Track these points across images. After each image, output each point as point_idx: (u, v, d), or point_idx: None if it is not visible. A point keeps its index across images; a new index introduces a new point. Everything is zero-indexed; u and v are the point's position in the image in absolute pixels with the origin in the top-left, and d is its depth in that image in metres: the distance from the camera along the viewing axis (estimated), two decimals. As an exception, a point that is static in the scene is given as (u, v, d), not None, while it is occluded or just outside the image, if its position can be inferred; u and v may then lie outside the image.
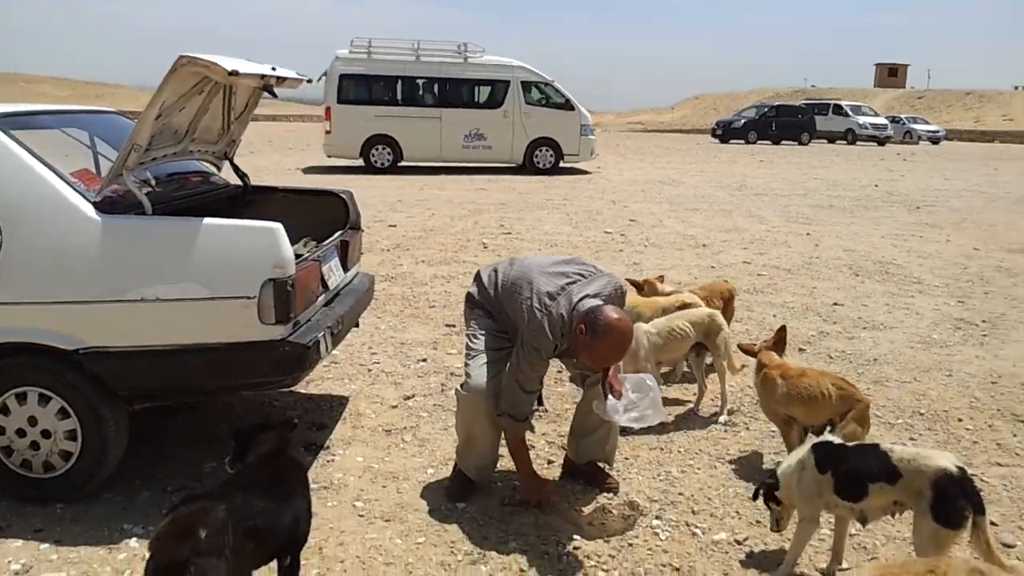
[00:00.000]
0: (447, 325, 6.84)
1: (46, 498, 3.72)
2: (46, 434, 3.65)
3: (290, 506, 2.79)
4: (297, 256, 4.19)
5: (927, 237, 11.96)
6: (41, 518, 3.63)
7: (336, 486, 4.07)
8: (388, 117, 20.70)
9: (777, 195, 17.08)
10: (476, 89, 21.57)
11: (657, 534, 3.71)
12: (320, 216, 5.10)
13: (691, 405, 5.21)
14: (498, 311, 3.91)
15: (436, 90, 21.23)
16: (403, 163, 21.17)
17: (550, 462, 4.39)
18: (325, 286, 4.33)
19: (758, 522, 3.82)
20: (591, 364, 3.80)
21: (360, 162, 21.01)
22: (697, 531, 3.75)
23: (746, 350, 4.64)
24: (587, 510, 3.92)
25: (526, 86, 21.27)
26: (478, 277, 4.06)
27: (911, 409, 5.22)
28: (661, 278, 6.12)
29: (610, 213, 13.74)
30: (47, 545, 3.44)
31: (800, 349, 6.39)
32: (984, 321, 7.30)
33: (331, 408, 5.05)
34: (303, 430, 4.68)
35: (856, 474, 3.24)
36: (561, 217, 13.15)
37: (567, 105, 21.58)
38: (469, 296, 4.07)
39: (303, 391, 5.31)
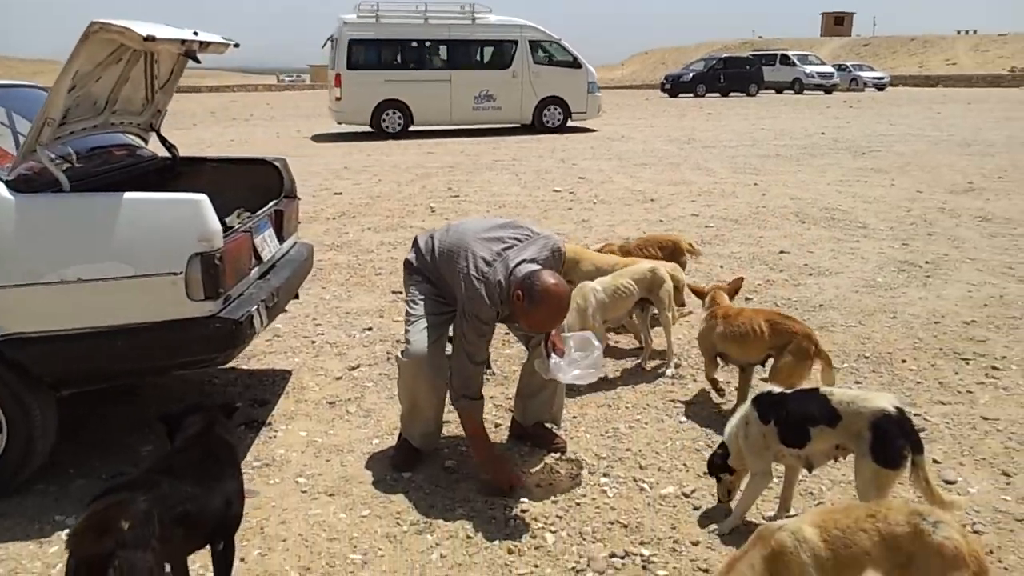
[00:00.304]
0: (393, 292, 6.74)
1: (-27, 492, 3.58)
2: (-31, 426, 3.51)
3: (220, 488, 2.70)
4: (228, 228, 4.07)
5: (872, 182, 12.07)
6: (-33, 513, 3.50)
7: (278, 463, 3.98)
8: (398, 81, 20.40)
9: (725, 147, 17.12)
10: (484, 50, 21.39)
11: (605, 491, 3.69)
12: (254, 186, 4.96)
13: (638, 360, 5.19)
14: (436, 277, 3.83)
15: (445, 52, 21.01)
16: (413, 127, 20.94)
17: (497, 425, 4.35)
18: (258, 258, 4.20)
19: (706, 474, 3.81)
20: (531, 329, 3.75)
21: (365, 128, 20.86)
22: (645, 486, 3.73)
23: (697, 292, 4.72)
24: (535, 471, 3.88)
25: (534, 45, 21.15)
26: (415, 243, 3.97)
27: (856, 352, 5.25)
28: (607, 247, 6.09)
29: (559, 172, 13.66)
30: (-27, 542, 3.32)
31: (747, 298, 6.39)
32: (927, 262, 7.38)
33: (273, 383, 4.94)
34: (244, 408, 4.58)
35: (798, 419, 3.23)
36: (510, 178, 13.03)
37: (574, 63, 21.50)
38: (407, 263, 3.98)
39: (245, 367, 5.20)
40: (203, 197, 3.54)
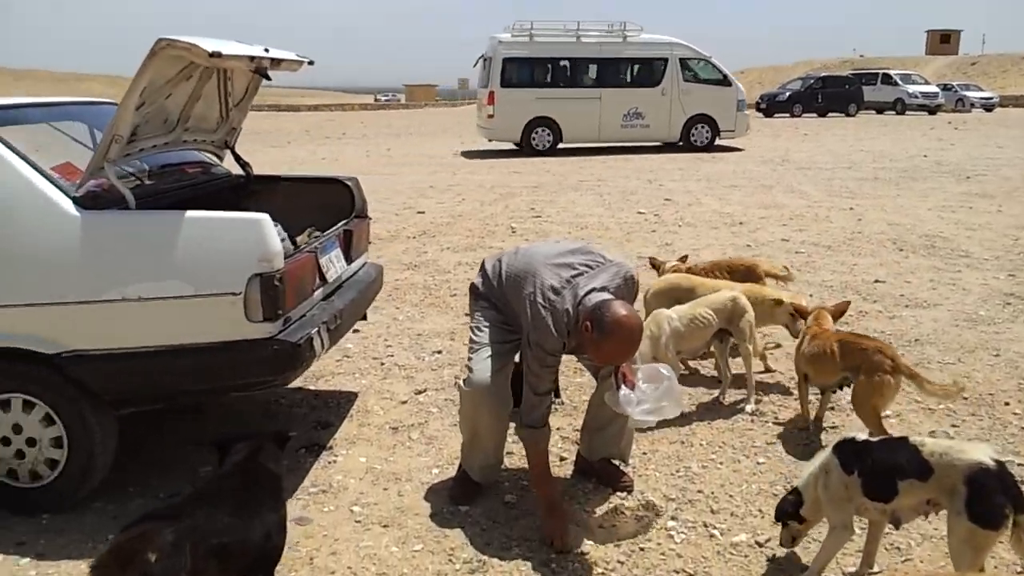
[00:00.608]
0: (466, 314, 6.58)
1: (33, 509, 3.58)
2: (31, 442, 3.52)
3: (259, 519, 2.60)
4: (297, 247, 4.02)
5: (977, 208, 11.43)
6: (25, 530, 3.49)
7: (335, 489, 3.89)
8: (549, 99, 20.52)
9: (820, 168, 16.56)
10: (634, 67, 21.32)
11: (672, 536, 3.47)
12: (325, 205, 4.92)
13: (716, 394, 4.94)
14: (503, 303, 3.69)
15: (595, 70, 21.10)
16: (562, 145, 21.05)
17: (562, 459, 4.17)
18: (323, 279, 4.14)
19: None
20: (600, 362, 3.58)
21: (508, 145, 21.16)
22: (715, 532, 3.49)
23: (801, 311, 4.73)
24: (599, 511, 3.68)
25: (684, 63, 21.03)
26: (483, 267, 3.85)
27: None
28: (684, 258, 5.85)
29: (645, 193, 13.40)
30: (27, 560, 3.30)
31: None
32: (1038, 296, 6.88)
33: (338, 405, 4.87)
34: (307, 431, 4.52)
35: (884, 472, 2.96)
36: (594, 199, 12.85)
37: (724, 81, 21.31)
38: (473, 287, 3.85)
39: (312, 387, 5.15)
40: (264, 217, 3.49)
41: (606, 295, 3.36)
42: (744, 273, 5.75)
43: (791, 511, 3.20)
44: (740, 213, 11.20)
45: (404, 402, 4.90)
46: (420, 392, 5.05)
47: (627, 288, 3.56)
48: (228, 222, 3.51)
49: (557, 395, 4.82)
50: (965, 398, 4.79)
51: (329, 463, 4.16)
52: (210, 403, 4.77)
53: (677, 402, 3.49)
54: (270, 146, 23.60)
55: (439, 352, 5.75)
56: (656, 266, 5.99)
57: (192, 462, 4.12)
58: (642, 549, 3.38)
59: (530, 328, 3.41)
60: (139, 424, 4.01)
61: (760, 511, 3.66)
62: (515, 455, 4.17)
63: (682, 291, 5.11)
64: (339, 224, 4.57)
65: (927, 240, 9.24)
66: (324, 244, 4.22)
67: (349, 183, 4.89)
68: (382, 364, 5.55)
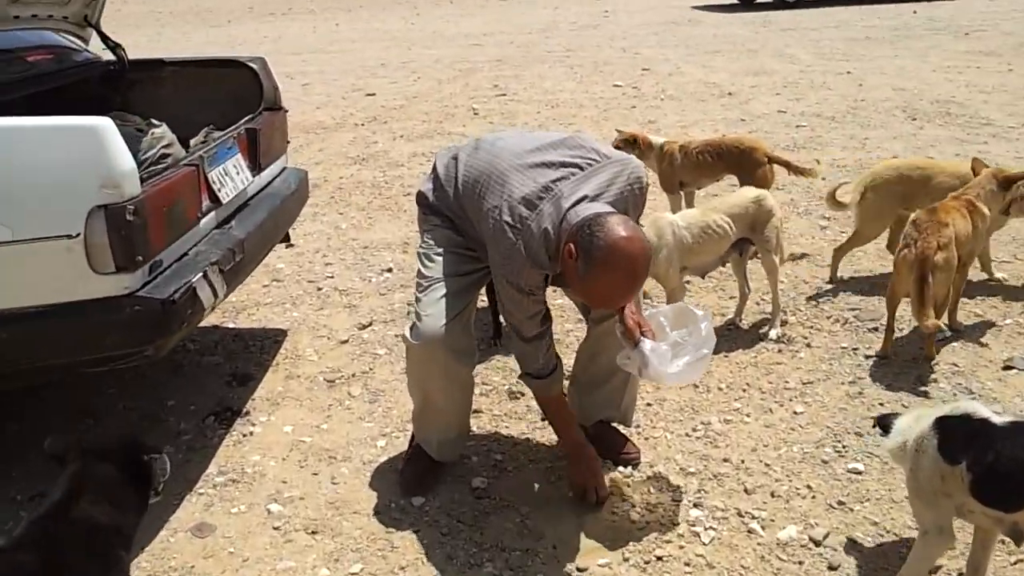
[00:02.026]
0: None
1: None
2: None
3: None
4: (164, 158, 2.96)
5: (985, 67, 10.33)
6: None
7: (249, 477, 2.95)
8: None
9: (806, 29, 15.23)
10: None
11: (697, 534, 2.58)
12: (229, 97, 3.81)
13: (730, 316, 4.00)
14: (461, 218, 2.68)
15: None
16: None
17: (544, 419, 3.23)
18: (214, 199, 3.07)
19: (840, 503, 2.68)
20: (590, 303, 2.61)
21: None
22: (754, 525, 2.60)
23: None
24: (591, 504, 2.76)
25: None
26: (434, 169, 2.81)
27: None
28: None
29: (620, 63, 12.13)
30: None
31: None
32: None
33: (261, 349, 3.89)
34: (219, 386, 3.55)
35: (1012, 471, 2.04)
36: (564, 71, 11.58)
37: None
38: (421, 197, 2.83)
39: (230, 324, 4.15)
40: (104, 122, 2.40)
41: (600, 207, 2.37)
42: (738, 158, 4.69)
43: (877, 424, 2.41)
44: (727, 82, 10.04)
45: (344, 341, 3.92)
46: (364, 327, 4.06)
47: (633, 197, 2.55)
48: (51, 133, 2.42)
49: (498, 335, 3.86)
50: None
51: (244, 436, 3.21)
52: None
53: (710, 353, 2.52)
54: (209, 26, 21.70)
55: (389, 271, 4.73)
56: (632, 141, 4.81)
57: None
58: (659, 559, 2.49)
59: (498, 258, 2.43)
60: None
61: (809, 487, 2.77)
62: (484, 418, 3.24)
63: (914, 183, 4.07)
64: (240, 123, 3.47)
65: (940, 107, 8.19)
66: (214, 152, 3.13)
67: (253, 65, 3.76)
68: (319, 289, 4.53)
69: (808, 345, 3.71)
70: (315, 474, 2.95)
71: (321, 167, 6.88)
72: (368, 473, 2.95)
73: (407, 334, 2.71)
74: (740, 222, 3.60)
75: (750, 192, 3.73)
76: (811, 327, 3.87)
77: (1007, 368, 3.43)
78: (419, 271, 2.74)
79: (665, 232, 3.49)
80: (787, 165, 4.69)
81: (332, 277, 4.68)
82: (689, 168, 4.77)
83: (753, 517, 2.64)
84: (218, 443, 3.16)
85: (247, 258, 3.10)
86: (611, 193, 2.47)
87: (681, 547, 2.53)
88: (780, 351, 3.68)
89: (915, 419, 2.27)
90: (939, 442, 2.14)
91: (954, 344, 3.59)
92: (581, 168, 2.49)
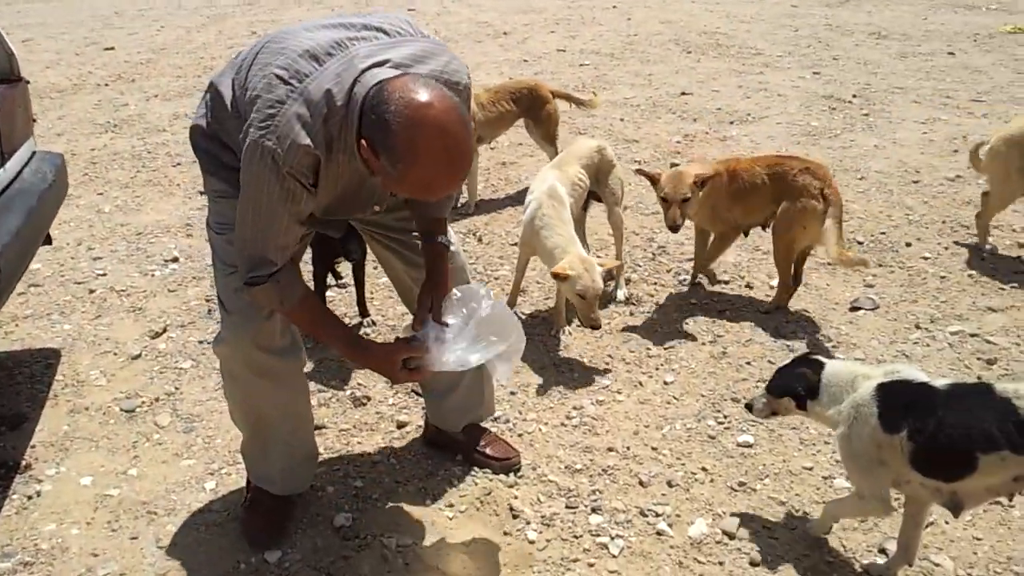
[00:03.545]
0: (202, 192, 4.87)
1: None
2: None
3: None
4: None
5: (737, -4, 10.73)
6: None
7: (46, 556, 2.31)
8: None
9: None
10: None
11: (605, 546, 2.30)
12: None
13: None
14: None
15: None
16: None
17: (400, 425, 2.82)
18: (-51, 208, 2.35)
19: (741, 484, 2.50)
20: (408, 195, 1.96)
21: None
22: (662, 524, 2.36)
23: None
24: (480, 526, 2.41)
25: None
26: (211, 88, 2.07)
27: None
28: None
29: (382, 2, 11.52)
30: None
31: (672, 164, 4.99)
32: (855, 96, 6.21)
33: (31, 378, 3.14)
34: (-18, 437, 2.83)
35: (955, 439, 1.90)
36: (323, 12, 10.81)
37: None
38: (196, 133, 2.11)
39: (-16, 351, 3.36)
40: None
41: (398, 73, 1.78)
42: (529, 99, 4.48)
43: (797, 389, 2.17)
44: (499, 21, 9.76)
45: (136, 356, 3.26)
46: (158, 335, 3.41)
47: (453, 89, 1.85)
48: None
49: (366, 312, 3.44)
50: (860, 243, 3.95)
51: (29, 500, 2.54)
52: None
53: (513, 332, 2.09)
54: None
55: (174, 260, 4.05)
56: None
57: None
58: (570, 581, 2.19)
59: (255, 126, 1.75)
60: None
61: (704, 470, 2.57)
62: (328, 434, 2.78)
63: None
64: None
65: (709, 38, 8.38)
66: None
67: (-23, 26, 2.96)
68: (91, 291, 3.78)
69: (658, 304, 3.53)
70: (133, 538, 2.37)
71: (65, 139, 5.89)
72: (202, 527, 2.41)
73: (214, 341, 2.20)
74: (588, 174, 3.32)
75: (590, 142, 3.45)
76: (655, 283, 3.69)
77: (854, 309, 3.41)
78: (213, 253, 2.17)
79: (563, 198, 3.12)
80: (568, 98, 4.76)
81: (105, 275, 3.93)
82: (490, 122, 4.45)
83: (657, 515, 2.40)
84: (-7, 515, 2.49)
85: (4, 279, 2.42)
86: (421, 72, 1.83)
87: (591, 564, 2.24)
88: (632, 314, 3.47)
89: (847, 381, 2.09)
90: (879, 411, 1.98)
91: (799, 291, 3.52)
92: (388, 34, 1.89)
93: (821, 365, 2.18)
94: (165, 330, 3.44)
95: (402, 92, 1.66)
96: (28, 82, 3.16)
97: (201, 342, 3.34)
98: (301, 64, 1.76)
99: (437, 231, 2.17)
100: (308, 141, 1.73)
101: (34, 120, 3.24)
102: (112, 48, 8.98)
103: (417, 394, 2.92)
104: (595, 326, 2.92)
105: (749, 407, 2.31)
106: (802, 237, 3.28)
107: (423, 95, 1.65)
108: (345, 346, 2.10)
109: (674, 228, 3.16)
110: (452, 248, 2.25)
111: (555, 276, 2.91)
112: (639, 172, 3.30)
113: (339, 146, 1.79)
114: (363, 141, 1.71)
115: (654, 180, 3.19)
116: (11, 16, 10.96)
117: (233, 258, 2.01)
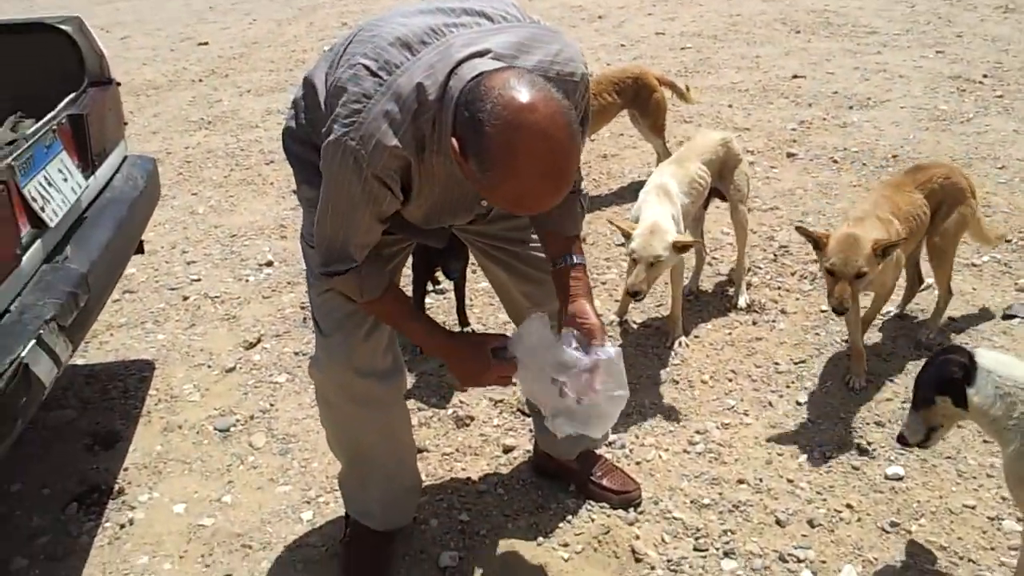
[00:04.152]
0: (295, 191, 4.74)
1: None
2: None
3: None
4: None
5: (845, -29, 10.14)
6: None
7: (138, 596, 2.20)
8: None
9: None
10: None
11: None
12: (35, 71, 2.90)
13: (685, 283, 3.45)
14: None
15: None
16: None
17: (508, 450, 2.61)
18: (37, 223, 2.23)
19: (894, 525, 2.20)
20: (503, 207, 1.68)
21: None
22: (805, 573, 2.09)
23: None
24: (599, 570, 2.17)
25: None
26: (306, 83, 1.83)
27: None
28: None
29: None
30: None
31: (789, 154, 4.65)
32: (986, 76, 5.69)
33: (125, 392, 3.05)
34: (76, 453, 2.73)
35: None
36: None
37: None
38: (288, 136, 1.93)
39: (80, 361, 3.28)
40: None
41: (499, 65, 1.54)
42: (633, 88, 4.19)
43: (953, 374, 1.84)
44: (593, 4, 9.41)
45: (230, 369, 3.14)
46: (252, 345, 3.29)
47: (563, 86, 1.59)
48: None
49: (464, 322, 3.25)
50: (1008, 240, 3.55)
51: (122, 528, 2.42)
52: None
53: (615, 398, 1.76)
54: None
55: (268, 264, 3.93)
56: None
57: None
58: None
59: (339, 120, 1.55)
60: None
61: (849, 507, 2.28)
62: (430, 459, 2.59)
63: None
64: (59, 108, 2.59)
65: (818, 16, 7.87)
66: (29, 155, 2.27)
67: (67, 28, 2.86)
68: (185, 299, 3.69)
69: (783, 312, 3.22)
70: (228, 575, 2.23)
71: (160, 137, 5.87)
72: (299, 564, 2.25)
73: (311, 364, 2.02)
74: (711, 170, 3.03)
75: (715, 134, 3.15)
76: (779, 288, 3.38)
77: (1007, 318, 3.05)
78: (308, 270, 2.01)
79: (674, 196, 2.86)
80: (673, 87, 4.43)
81: (199, 280, 3.84)
82: (592, 116, 4.17)
83: (799, 560, 2.13)
84: (88, 543, 2.37)
85: (94, 298, 2.29)
86: (528, 63, 1.60)
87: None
88: (755, 323, 3.17)
89: (1019, 380, 1.78)
90: None
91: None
92: (490, 19, 1.65)
93: (969, 353, 1.86)
94: (260, 340, 3.31)
95: (502, 90, 1.42)
96: (119, 84, 3.05)
97: (297, 353, 3.19)
98: (392, 53, 1.56)
99: (567, 251, 1.92)
100: (396, 142, 1.52)
101: (126, 123, 3.13)
102: (206, 43, 9.01)
103: (524, 414, 2.70)
104: (629, 291, 2.63)
105: (903, 440, 2.01)
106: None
107: (525, 95, 1.41)
108: (429, 338, 1.89)
109: (840, 311, 2.50)
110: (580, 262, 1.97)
111: (623, 235, 2.68)
112: (800, 231, 2.62)
113: (432, 147, 1.58)
114: (454, 140, 1.49)
115: (818, 244, 2.55)
116: (108, 15, 11.14)
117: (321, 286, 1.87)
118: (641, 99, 4.21)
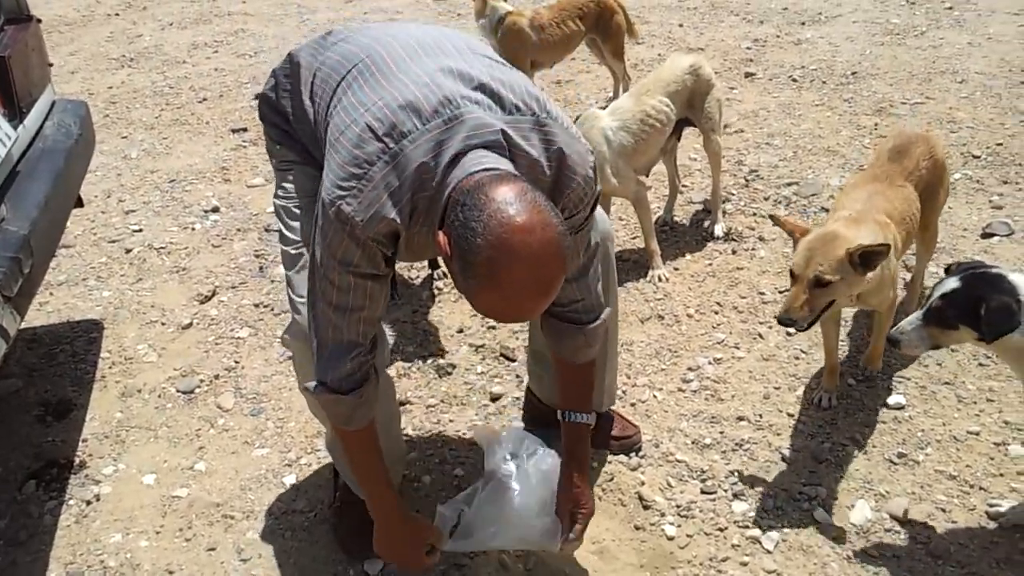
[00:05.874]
0: (234, 131, 4.47)
1: None
2: None
3: None
4: None
5: None
6: None
7: (113, 574, 2.04)
8: None
9: None
10: None
11: (757, 540, 1.98)
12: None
13: (659, 214, 3.34)
14: (322, 140, 1.68)
15: None
16: None
17: (495, 398, 2.49)
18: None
19: (901, 456, 2.16)
20: (477, 311, 1.57)
21: None
22: (819, 511, 2.03)
23: None
24: (607, 519, 2.08)
25: None
26: (290, 59, 1.82)
27: (959, 150, 3.58)
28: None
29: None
30: None
31: (747, 74, 4.53)
32: (935, -13, 5.63)
33: (74, 356, 2.83)
34: (27, 425, 2.52)
35: None
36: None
37: None
38: (264, 103, 1.88)
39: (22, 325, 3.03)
40: None
41: (501, 164, 1.44)
42: (596, 14, 4.02)
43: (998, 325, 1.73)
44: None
45: (187, 326, 2.93)
46: (208, 298, 3.08)
47: (573, 182, 1.58)
48: None
49: (394, 289, 3.05)
50: (977, 157, 3.51)
51: (88, 505, 2.24)
52: None
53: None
54: None
55: (215, 211, 3.69)
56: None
57: None
58: (725, 590, 1.88)
59: (333, 179, 1.48)
60: None
61: (854, 439, 2.23)
62: (415, 412, 2.45)
63: None
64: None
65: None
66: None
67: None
68: (128, 251, 3.44)
69: (760, 239, 3.14)
70: (211, 550, 2.08)
71: (79, 77, 5.46)
72: (287, 532, 2.11)
73: (285, 335, 1.86)
74: (678, 100, 2.88)
75: (684, 60, 2.97)
76: (753, 215, 3.30)
77: (987, 236, 3.01)
78: (281, 234, 1.86)
79: (600, 145, 2.71)
80: (625, 15, 4.19)
81: (140, 230, 3.58)
82: (553, 46, 4.00)
83: (811, 498, 2.07)
84: (52, 523, 2.19)
85: (38, 263, 2.07)
86: (535, 154, 1.52)
87: (743, 563, 1.92)
88: (734, 252, 3.09)
89: None
90: None
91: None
92: (503, 107, 1.52)
93: (1018, 295, 1.72)
94: (215, 293, 3.11)
95: (501, 204, 1.32)
96: (40, 20, 2.75)
97: (257, 305, 3.00)
98: (400, 118, 1.45)
99: (576, 405, 1.94)
100: (394, 215, 1.44)
101: (50, 64, 2.83)
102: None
103: (508, 359, 2.59)
104: None
105: (894, 342, 1.87)
106: None
107: (522, 217, 1.31)
108: (379, 496, 1.82)
109: (785, 322, 2.08)
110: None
111: None
112: (774, 220, 2.24)
113: (421, 219, 1.49)
114: (442, 235, 1.39)
115: (793, 236, 2.15)
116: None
117: (290, 236, 1.83)
118: (603, 23, 4.05)
